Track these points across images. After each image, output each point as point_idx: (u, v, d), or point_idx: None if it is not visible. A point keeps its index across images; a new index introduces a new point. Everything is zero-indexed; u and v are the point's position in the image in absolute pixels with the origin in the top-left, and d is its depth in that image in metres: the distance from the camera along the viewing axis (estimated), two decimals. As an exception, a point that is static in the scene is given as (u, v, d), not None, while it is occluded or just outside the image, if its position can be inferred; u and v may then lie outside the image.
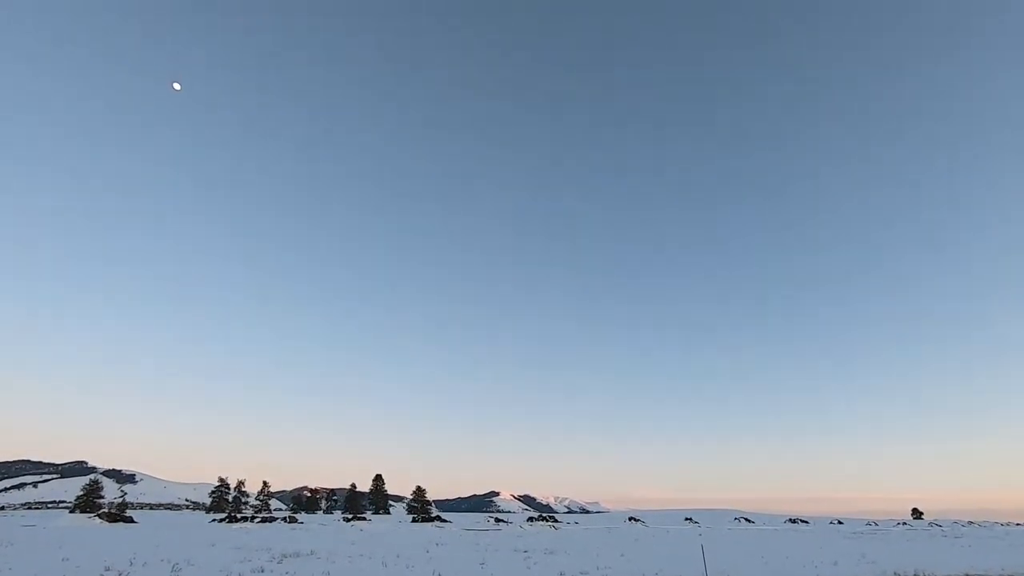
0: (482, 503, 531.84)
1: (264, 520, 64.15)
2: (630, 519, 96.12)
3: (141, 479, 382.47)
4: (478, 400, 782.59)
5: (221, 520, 64.50)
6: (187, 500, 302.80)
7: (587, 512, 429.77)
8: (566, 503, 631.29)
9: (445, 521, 77.60)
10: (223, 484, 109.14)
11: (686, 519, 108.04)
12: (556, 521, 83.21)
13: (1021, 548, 41.34)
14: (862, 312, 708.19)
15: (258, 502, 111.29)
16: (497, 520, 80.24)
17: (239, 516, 70.15)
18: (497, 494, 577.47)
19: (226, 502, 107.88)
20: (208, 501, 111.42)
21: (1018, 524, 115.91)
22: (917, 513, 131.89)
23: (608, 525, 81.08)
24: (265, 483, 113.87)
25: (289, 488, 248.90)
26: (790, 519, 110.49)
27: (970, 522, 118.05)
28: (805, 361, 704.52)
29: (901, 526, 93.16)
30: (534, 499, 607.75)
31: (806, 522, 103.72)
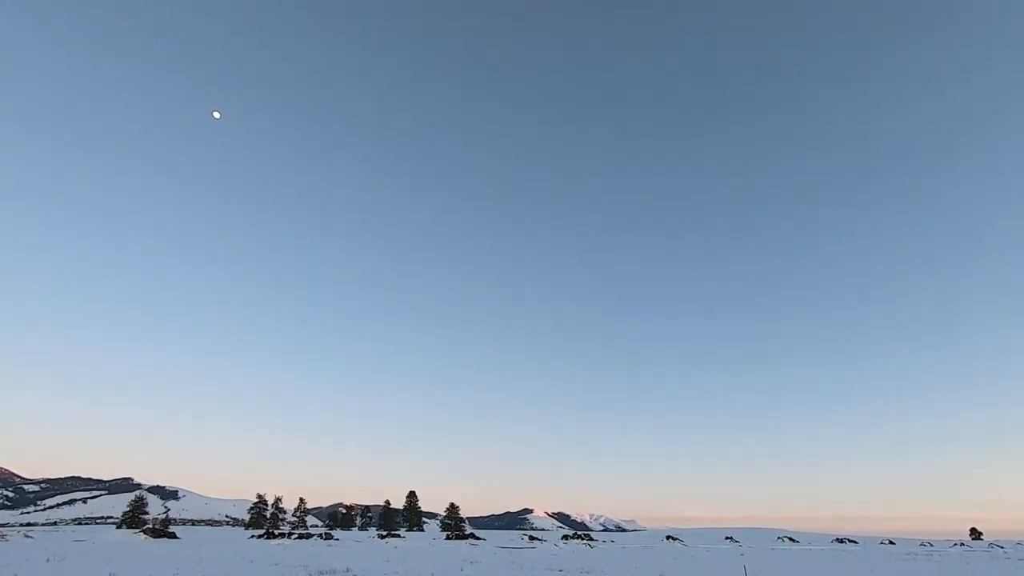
0: (515, 520, 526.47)
1: (301, 536, 64.94)
2: (668, 538, 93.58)
3: (184, 495, 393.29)
4: (512, 416, 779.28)
5: (259, 536, 65.57)
6: (227, 516, 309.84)
7: (623, 530, 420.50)
8: (601, 520, 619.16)
9: (479, 539, 77.07)
10: (261, 500, 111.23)
11: (726, 538, 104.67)
12: (591, 539, 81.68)
13: (1094, 572, 38.49)
14: (913, 323, 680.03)
15: (295, 518, 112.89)
16: (531, 538, 79.23)
17: (277, 532, 71.21)
18: (531, 511, 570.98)
19: (264, 518, 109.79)
20: (247, 517, 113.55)
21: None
22: (976, 533, 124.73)
23: (645, 544, 79.08)
24: (302, 500, 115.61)
25: (325, 505, 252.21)
26: (837, 539, 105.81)
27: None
28: (849, 375, 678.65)
29: (958, 547, 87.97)
30: (568, 516, 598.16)
31: (855, 542, 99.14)
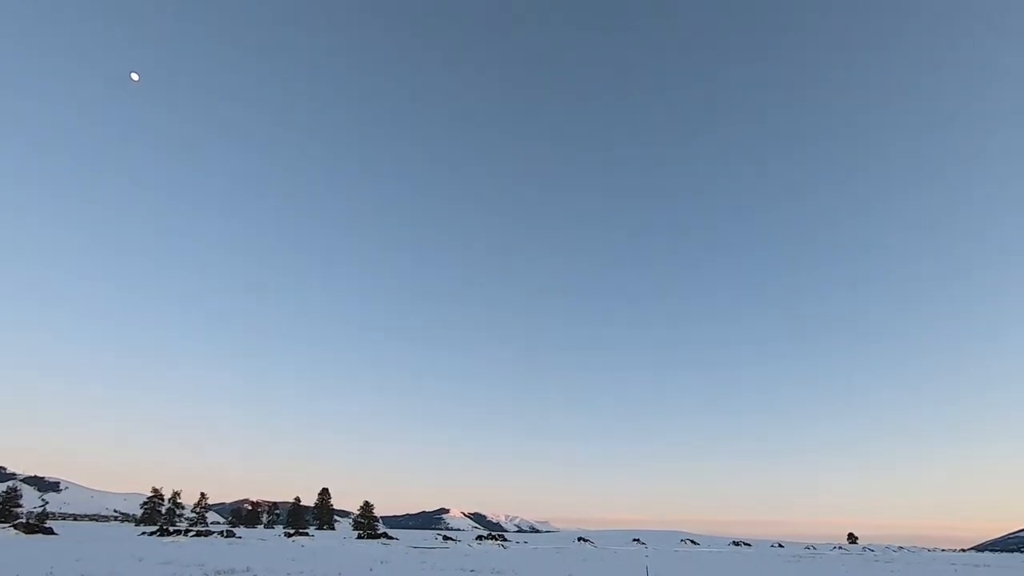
0: (431, 520, 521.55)
1: (199, 534, 61.07)
2: (579, 539, 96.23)
3: (66, 487, 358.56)
4: (429, 415, 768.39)
5: (152, 533, 61.05)
6: (116, 511, 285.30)
7: (537, 531, 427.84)
8: (517, 522, 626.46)
9: (392, 538, 75.75)
10: (156, 495, 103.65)
11: (634, 540, 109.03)
12: (505, 540, 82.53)
13: (944, 573, 43.54)
14: (808, 343, 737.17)
15: (194, 515, 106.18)
16: (446, 538, 78.90)
17: (172, 529, 66.56)
18: (447, 511, 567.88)
19: (159, 514, 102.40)
20: (139, 513, 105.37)
21: (943, 550, 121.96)
22: (852, 538, 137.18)
23: (557, 545, 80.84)
24: (203, 495, 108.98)
25: (229, 501, 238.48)
26: (734, 542, 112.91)
27: (900, 547, 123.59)
28: (746, 387, 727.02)
29: (837, 550, 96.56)
30: (485, 517, 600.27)
31: (749, 545, 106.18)
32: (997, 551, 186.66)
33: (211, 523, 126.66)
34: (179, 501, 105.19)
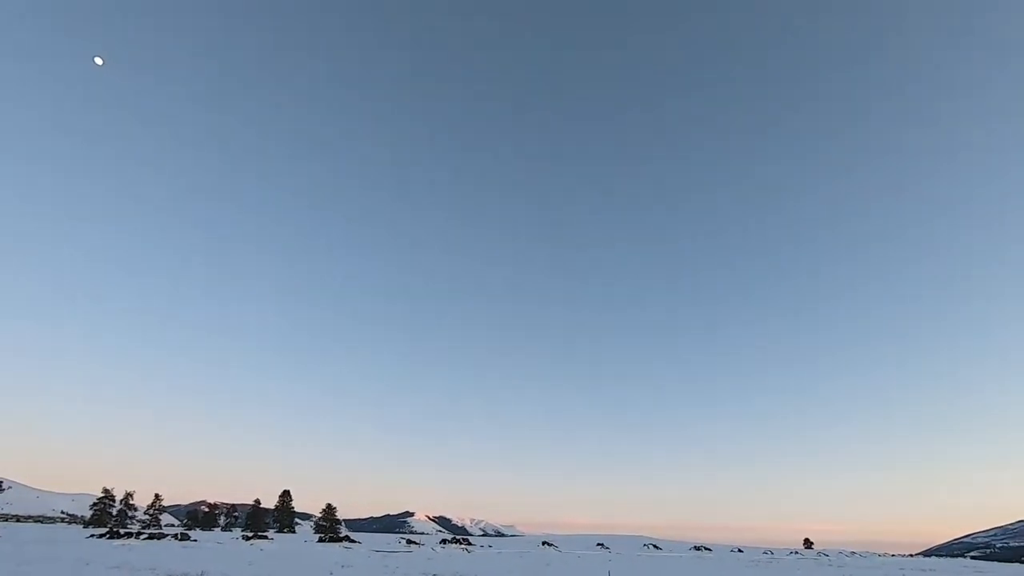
0: (395, 523, 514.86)
1: (152, 537, 58.89)
2: (544, 543, 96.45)
3: (9, 487, 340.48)
4: (396, 416, 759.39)
5: (101, 536, 58.62)
6: (63, 512, 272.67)
7: (502, 535, 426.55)
8: (482, 525, 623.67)
9: (354, 541, 74.54)
10: (108, 496, 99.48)
11: (598, 544, 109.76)
12: (470, 544, 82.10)
13: (892, 577, 45.26)
14: (768, 353, 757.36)
15: (147, 517, 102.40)
16: (409, 542, 77.99)
17: (123, 532, 64.05)
18: (412, 515, 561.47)
19: (109, 516, 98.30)
20: (89, 514, 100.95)
21: (893, 555, 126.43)
22: (808, 543, 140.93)
23: (522, 549, 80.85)
24: (157, 496, 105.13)
25: (185, 503, 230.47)
26: (695, 547, 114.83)
27: (853, 552, 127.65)
28: (708, 394, 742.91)
29: (794, 555, 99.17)
30: (450, 521, 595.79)
31: (709, 549, 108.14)
32: (943, 556, 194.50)
33: (165, 525, 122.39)
34: (131, 502, 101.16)
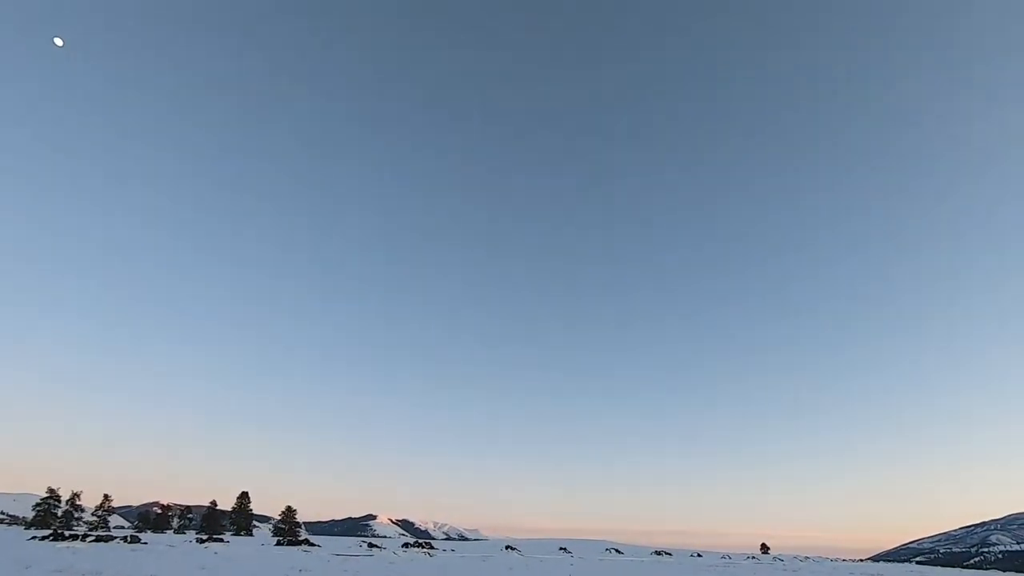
0: (358, 527, 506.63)
1: (99, 539, 56.52)
2: (507, 547, 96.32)
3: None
4: (360, 419, 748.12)
5: (44, 538, 55.94)
6: (3, 513, 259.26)
7: (466, 539, 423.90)
8: (445, 529, 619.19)
9: (313, 544, 72.98)
10: (52, 496, 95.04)
11: (560, 549, 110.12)
12: (432, 548, 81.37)
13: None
14: (726, 360, 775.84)
15: (95, 518, 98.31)
16: (370, 545, 76.83)
17: (68, 534, 61.26)
18: (374, 518, 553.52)
19: (54, 517, 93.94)
20: (31, 515, 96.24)
21: (844, 560, 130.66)
22: (765, 548, 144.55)
23: (484, 553, 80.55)
24: (106, 496, 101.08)
25: (137, 504, 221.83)
26: (656, 551, 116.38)
27: (807, 557, 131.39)
28: (670, 404, 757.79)
29: (751, 560, 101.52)
30: (413, 524, 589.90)
31: (670, 554, 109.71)
32: (891, 561, 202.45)
33: (115, 527, 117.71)
34: (78, 503, 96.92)
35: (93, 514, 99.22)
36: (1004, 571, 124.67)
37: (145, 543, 57.15)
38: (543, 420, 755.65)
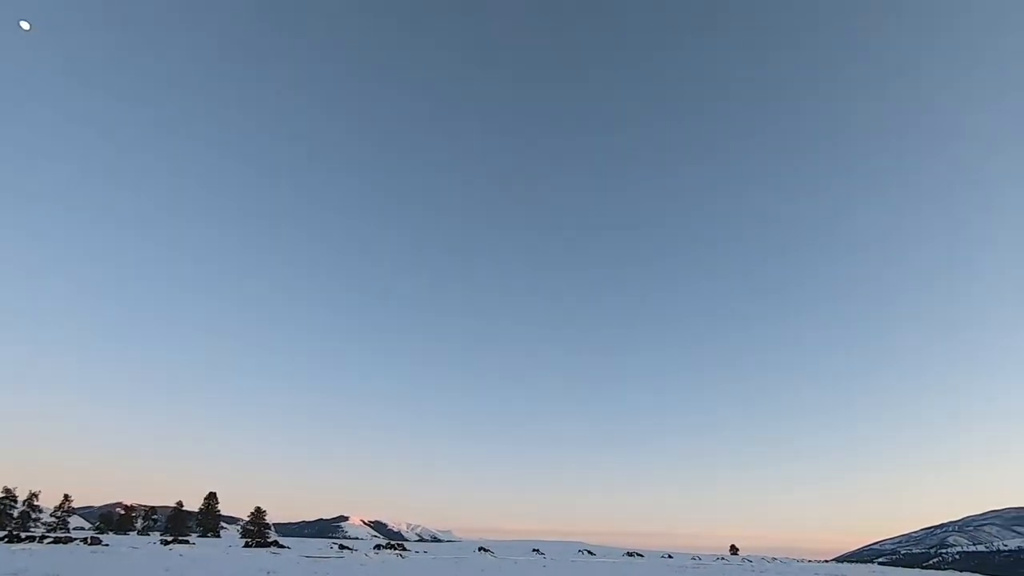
0: (329, 528, 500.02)
1: (58, 541, 54.66)
2: (480, 549, 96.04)
3: None
4: (332, 419, 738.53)
5: (-2, 539, 53.85)
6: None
7: (439, 541, 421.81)
8: (418, 530, 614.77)
9: (282, 546, 71.72)
10: (8, 495, 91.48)
11: (534, 550, 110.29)
12: (404, 549, 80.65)
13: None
14: (698, 362, 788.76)
15: (54, 519, 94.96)
16: (342, 547, 75.84)
17: (24, 536, 59.04)
18: (346, 519, 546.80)
19: (9, 518, 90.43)
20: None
21: (810, 561, 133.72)
22: (734, 549, 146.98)
23: (457, 555, 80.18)
24: (66, 496, 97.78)
25: (99, 504, 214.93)
26: (628, 552, 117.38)
27: (775, 558, 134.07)
28: (642, 407, 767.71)
29: (720, 561, 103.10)
30: (385, 525, 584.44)
31: (641, 555, 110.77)
32: (854, 561, 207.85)
33: (75, 528, 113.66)
34: (36, 503, 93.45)
35: (52, 515, 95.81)
36: (961, 571, 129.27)
37: (106, 545, 55.44)
38: (517, 422, 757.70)
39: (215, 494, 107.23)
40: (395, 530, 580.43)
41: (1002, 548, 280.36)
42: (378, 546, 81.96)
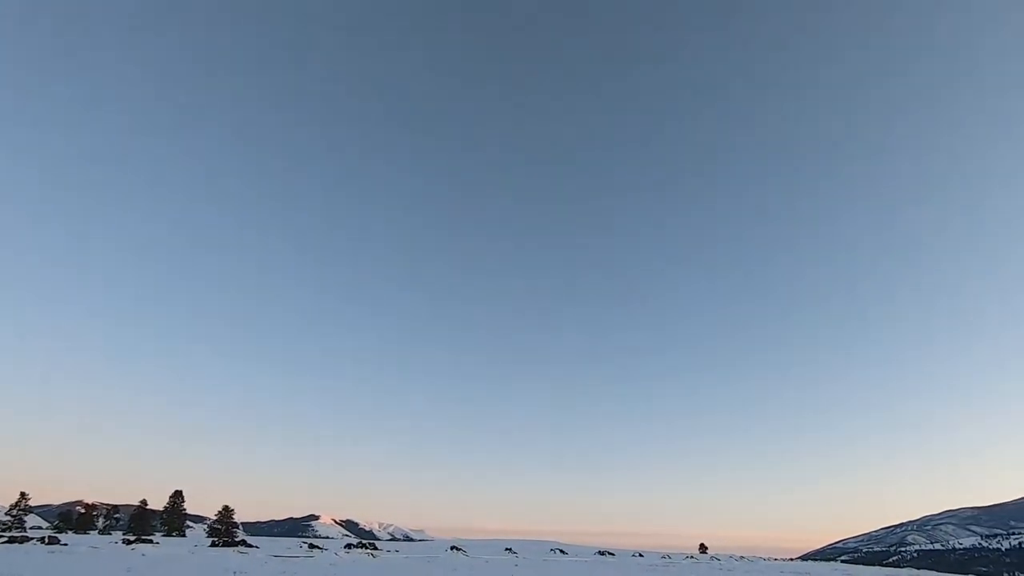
0: (299, 527, 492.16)
1: (13, 540, 52.64)
2: (452, 548, 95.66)
3: None
4: (302, 418, 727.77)
5: (-52, 539, 51.64)
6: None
7: (411, 540, 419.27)
8: (391, 530, 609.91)
9: (251, 546, 70.34)
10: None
11: (506, 549, 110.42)
12: (376, 548, 79.90)
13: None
14: (665, 366, 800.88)
15: (8, 518, 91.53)
16: (312, 546, 74.78)
17: (-23, 535, 56.72)
18: (317, 518, 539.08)
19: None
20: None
21: (776, 559, 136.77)
22: (703, 548, 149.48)
23: (429, 554, 79.78)
24: (23, 495, 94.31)
25: (57, 503, 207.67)
26: (599, 551, 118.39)
27: (742, 557, 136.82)
28: (615, 409, 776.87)
29: (689, 559, 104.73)
30: (357, 524, 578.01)
31: (612, 554, 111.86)
32: (818, 559, 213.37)
33: (31, 528, 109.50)
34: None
35: (7, 514, 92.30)
36: (918, 568, 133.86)
37: (65, 544, 53.62)
38: (490, 423, 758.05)
39: (181, 492, 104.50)
40: (367, 529, 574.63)
41: (957, 547, 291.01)
42: (349, 545, 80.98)
